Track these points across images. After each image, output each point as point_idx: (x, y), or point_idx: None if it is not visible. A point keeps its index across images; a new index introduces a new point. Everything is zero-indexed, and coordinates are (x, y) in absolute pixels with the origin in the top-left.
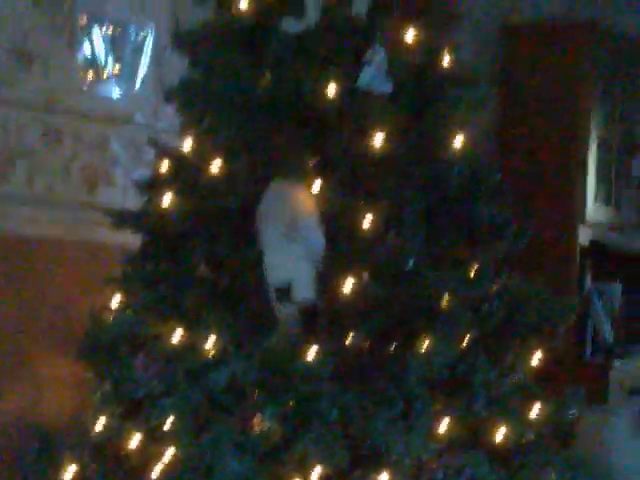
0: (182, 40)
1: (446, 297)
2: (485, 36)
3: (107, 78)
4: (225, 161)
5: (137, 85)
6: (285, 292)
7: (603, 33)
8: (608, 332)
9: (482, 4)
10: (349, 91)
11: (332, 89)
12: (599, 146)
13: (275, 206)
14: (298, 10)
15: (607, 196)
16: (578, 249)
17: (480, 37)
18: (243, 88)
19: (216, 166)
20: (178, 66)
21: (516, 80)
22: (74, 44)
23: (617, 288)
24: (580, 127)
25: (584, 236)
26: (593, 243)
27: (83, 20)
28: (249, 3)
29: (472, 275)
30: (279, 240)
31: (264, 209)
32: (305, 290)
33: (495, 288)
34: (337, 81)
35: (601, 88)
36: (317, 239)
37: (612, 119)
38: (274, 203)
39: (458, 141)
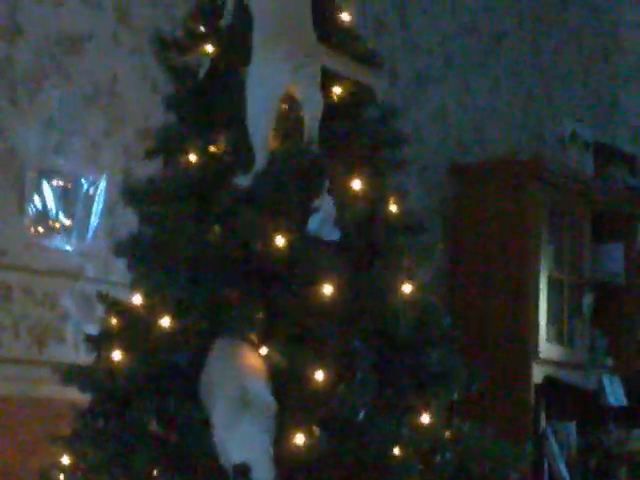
0: (132, 195)
1: (398, 447)
2: (433, 176)
3: (58, 231)
4: (174, 316)
5: (88, 238)
6: (243, 473)
7: (548, 170)
8: (564, 472)
9: (430, 145)
10: (297, 240)
11: (280, 240)
12: (549, 284)
13: (224, 366)
14: (246, 163)
15: (559, 334)
16: (532, 387)
17: (429, 177)
18: (192, 242)
19: (166, 321)
20: (130, 218)
21: (465, 220)
22: (25, 199)
23: (572, 427)
24: (530, 265)
25: (538, 374)
26: (547, 380)
27: (34, 174)
28: (197, 157)
29: (424, 424)
30: (231, 406)
31: (213, 370)
32: (263, 472)
33: (447, 436)
34: (285, 232)
35: (549, 225)
36: (267, 398)
37: (561, 256)
38: (223, 363)
39: (407, 289)
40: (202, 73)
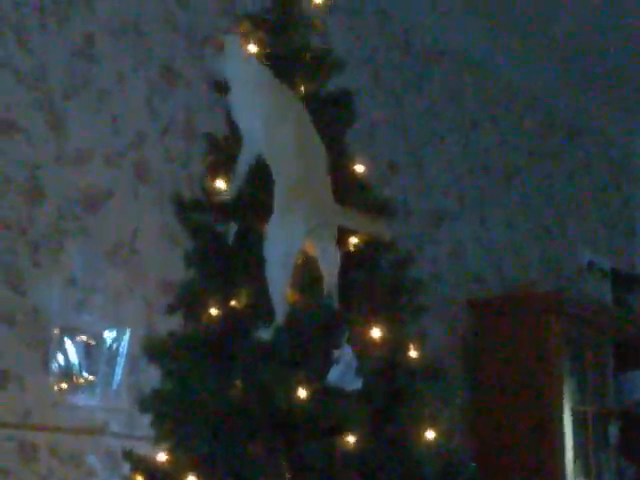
0: (154, 351)
1: None
2: (452, 311)
3: (82, 388)
4: (200, 473)
5: (112, 393)
6: None
7: (568, 303)
8: None
9: (448, 280)
10: (319, 392)
11: (302, 393)
12: (574, 416)
13: None
14: (266, 316)
15: (587, 467)
16: None
17: (447, 312)
18: (215, 398)
19: (191, 479)
20: (153, 372)
21: (486, 354)
22: (49, 357)
23: None
24: (553, 398)
25: None
26: None
27: (57, 332)
28: (218, 311)
29: None
30: None
31: None
32: None
33: None
34: (307, 384)
35: (570, 356)
36: None
37: (584, 387)
38: None
39: (430, 435)
40: (231, 239)
